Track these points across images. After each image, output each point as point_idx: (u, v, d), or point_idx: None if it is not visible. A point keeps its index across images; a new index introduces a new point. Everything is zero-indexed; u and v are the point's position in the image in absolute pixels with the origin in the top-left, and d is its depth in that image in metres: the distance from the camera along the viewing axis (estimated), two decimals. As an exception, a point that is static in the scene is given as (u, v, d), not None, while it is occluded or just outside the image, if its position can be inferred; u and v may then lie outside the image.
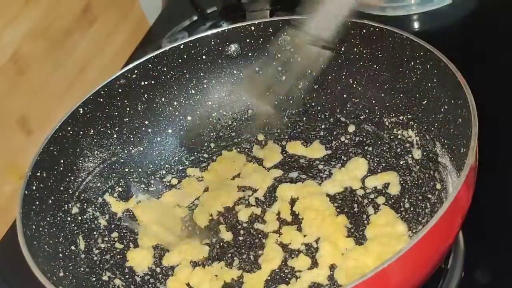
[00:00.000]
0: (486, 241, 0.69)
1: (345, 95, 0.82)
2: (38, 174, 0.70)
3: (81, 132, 0.78)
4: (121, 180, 0.81)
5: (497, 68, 0.89)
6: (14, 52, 0.91)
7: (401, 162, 0.76)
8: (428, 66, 0.69)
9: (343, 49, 0.79)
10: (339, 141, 0.82)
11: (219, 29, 0.83)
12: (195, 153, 0.86)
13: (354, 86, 0.80)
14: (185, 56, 0.83)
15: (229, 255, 0.73)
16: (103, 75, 1.06)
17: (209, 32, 0.83)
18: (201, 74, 0.85)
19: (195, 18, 1.17)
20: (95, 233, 0.75)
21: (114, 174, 0.81)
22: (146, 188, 0.82)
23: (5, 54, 0.89)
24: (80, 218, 0.75)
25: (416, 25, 1.04)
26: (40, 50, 0.96)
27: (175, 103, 0.85)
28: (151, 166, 0.84)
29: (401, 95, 0.75)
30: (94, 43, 1.09)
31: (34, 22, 0.94)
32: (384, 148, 0.78)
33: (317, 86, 0.83)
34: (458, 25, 1.01)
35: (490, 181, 0.68)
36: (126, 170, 0.82)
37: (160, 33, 1.18)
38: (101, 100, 0.79)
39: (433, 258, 0.54)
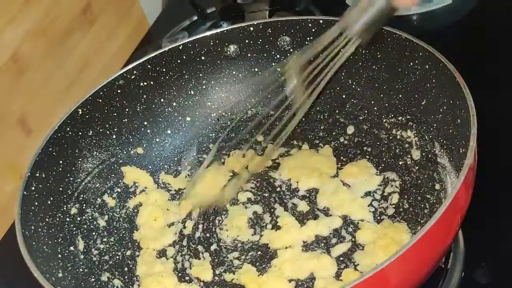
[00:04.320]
0: (486, 241, 0.69)
1: (344, 96, 0.82)
2: (37, 174, 0.70)
3: (80, 133, 0.78)
4: (120, 181, 0.81)
5: (496, 68, 0.89)
6: (14, 52, 0.91)
7: (400, 163, 0.76)
8: (427, 66, 0.69)
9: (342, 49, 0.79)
10: (338, 142, 0.82)
11: (218, 30, 0.83)
12: (194, 154, 0.86)
13: (353, 86, 0.80)
14: (184, 57, 0.83)
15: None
16: (103, 75, 1.07)
17: (208, 33, 0.83)
18: (200, 74, 0.85)
19: (195, 18, 1.17)
20: (94, 233, 0.75)
21: (113, 175, 0.81)
22: (145, 189, 0.82)
23: (5, 54, 0.89)
24: (79, 218, 0.75)
25: (416, 25, 1.04)
26: (40, 50, 0.96)
27: (174, 103, 0.85)
28: (150, 167, 0.84)
29: (400, 96, 0.75)
30: (94, 43, 1.09)
31: (34, 22, 0.94)
32: (383, 148, 0.78)
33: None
34: (458, 25, 1.01)
35: (490, 181, 0.68)
36: (125, 170, 0.82)
37: (160, 33, 1.18)
38: (100, 101, 0.79)
39: (432, 258, 0.54)
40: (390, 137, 0.78)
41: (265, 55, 0.84)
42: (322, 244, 0.71)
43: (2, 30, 0.88)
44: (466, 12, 1.01)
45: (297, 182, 0.79)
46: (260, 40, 0.83)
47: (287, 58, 0.74)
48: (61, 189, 0.74)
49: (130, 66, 0.81)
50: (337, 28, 0.69)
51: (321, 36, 0.70)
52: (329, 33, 0.69)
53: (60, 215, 0.72)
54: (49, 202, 0.71)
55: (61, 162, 0.75)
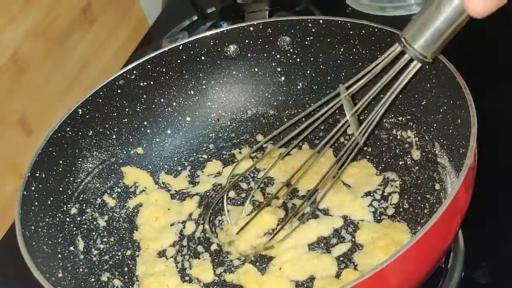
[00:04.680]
0: (486, 241, 0.69)
1: (344, 96, 0.81)
2: (37, 175, 0.70)
3: (80, 133, 0.77)
4: (120, 181, 0.81)
5: (496, 68, 0.89)
6: (14, 52, 0.91)
7: (400, 163, 0.76)
8: (427, 66, 0.69)
9: (342, 49, 0.79)
10: (338, 142, 0.82)
11: (218, 30, 0.83)
12: (194, 154, 0.86)
13: (353, 87, 0.80)
14: (184, 57, 0.83)
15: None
16: (103, 74, 1.07)
17: (208, 33, 0.83)
18: (200, 74, 0.85)
19: (195, 18, 1.17)
20: (94, 233, 0.75)
21: (113, 175, 0.81)
22: (145, 189, 0.82)
23: (5, 54, 0.89)
24: (79, 218, 0.75)
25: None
26: (40, 50, 0.96)
27: (174, 103, 0.85)
28: (150, 167, 0.84)
29: (400, 96, 0.75)
30: (94, 43, 1.09)
31: (34, 22, 0.94)
32: (383, 149, 0.78)
33: (316, 87, 0.83)
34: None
35: (490, 181, 0.68)
36: (125, 170, 0.82)
37: (160, 33, 1.18)
38: (100, 101, 0.79)
39: (432, 258, 0.54)
40: (390, 137, 0.78)
41: (265, 55, 0.84)
42: (322, 244, 0.72)
43: (2, 30, 0.89)
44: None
45: (297, 182, 0.79)
46: (260, 40, 0.83)
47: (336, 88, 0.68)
48: (61, 189, 0.74)
49: (130, 66, 0.81)
50: (395, 49, 0.59)
51: (375, 62, 0.62)
52: (386, 56, 0.61)
53: (60, 215, 0.72)
54: (49, 202, 0.71)
55: (61, 162, 0.75)
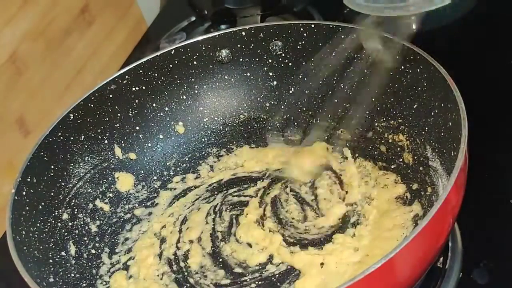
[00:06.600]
0: (485, 241, 0.69)
1: (336, 100, 0.82)
2: (28, 179, 0.70)
3: (72, 138, 0.77)
4: (112, 186, 0.81)
5: (487, 70, 0.89)
6: (12, 53, 0.90)
7: (392, 166, 0.76)
8: (418, 70, 0.69)
9: (333, 54, 0.79)
10: (330, 146, 0.82)
11: (210, 35, 0.83)
12: (187, 159, 0.86)
13: (345, 91, 0.80)
14: (176, 62, 0.83)
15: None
16: (101, 75, 1.07)
17: (200, 38, 0.83)
18: (192, 79, 0.85)
19: (193, 18, 1.17)
20: (85, 238, 0.75)
21: (105, 180, 0.80)
22: (136, 194, 0.82)
23: (3, 55, 0.89)
24: (70, 224, 0.74)
25: (414, 26, 1.04)
26: (38, 51, 0.96)
27: (166, 108, 0.85)
28: (142, 172, 0.83)
29: (392, 100, 0.76)
30: (92, 44, 1.09)
31: (32, 23, 0.94)
32: (375, 152, 0.78)
33: (307, 91, 0.84)
34: (457, 25, 1.00)
35: (487, 181, 0.68)
36: (117, 176, 0.82)
37: (158, 33, 1.18)
38: (92, 105, 0.79)
39: (425, 259, 0.54)
40: (382, 141, 0.78)
41: (257, 59, 0.84)
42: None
43: (0, 30, 0.88)
44: (465, 12, 1.01)
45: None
46: (252, 45, 0.83)
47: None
48: (52, 194, 0.74)
49: (122, 71, 0.81)
50: None
51: None
52: None
53: (51, 220, 0.72)
54: (40, 207, 0.71)
55: (52, 167, 0.74)
